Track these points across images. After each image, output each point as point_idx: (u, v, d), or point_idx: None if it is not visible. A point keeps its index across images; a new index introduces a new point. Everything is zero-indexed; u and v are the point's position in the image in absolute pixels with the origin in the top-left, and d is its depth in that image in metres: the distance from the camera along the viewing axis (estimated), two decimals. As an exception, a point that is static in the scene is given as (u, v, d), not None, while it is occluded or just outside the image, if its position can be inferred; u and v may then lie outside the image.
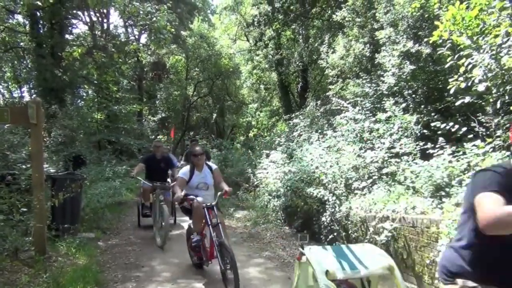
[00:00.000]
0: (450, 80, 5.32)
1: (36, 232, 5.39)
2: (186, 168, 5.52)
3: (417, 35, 7.87)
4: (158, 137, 23.26)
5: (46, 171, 6.71)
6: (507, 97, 5.03)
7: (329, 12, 14.13)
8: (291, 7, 15.78)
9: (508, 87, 4.88)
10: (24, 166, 6.88)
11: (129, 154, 18.25)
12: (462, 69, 5.03)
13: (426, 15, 7.65)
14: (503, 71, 4.53)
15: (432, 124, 5.88)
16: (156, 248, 6.80)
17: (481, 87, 4.85)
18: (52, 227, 6.28)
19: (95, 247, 6.73)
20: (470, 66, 4.94)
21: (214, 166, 5.72)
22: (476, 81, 4.84)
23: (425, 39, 7.17)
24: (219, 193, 5.25)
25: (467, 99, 5.24)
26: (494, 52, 4.59)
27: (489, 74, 4.66)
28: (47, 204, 5.90)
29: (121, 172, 12.56)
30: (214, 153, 15.76)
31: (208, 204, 5.08)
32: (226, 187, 5.29)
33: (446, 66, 5.60)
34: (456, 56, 5.11)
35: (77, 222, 7.08)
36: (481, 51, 4.80)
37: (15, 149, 7.63)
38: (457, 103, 5.51)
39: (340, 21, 10.91)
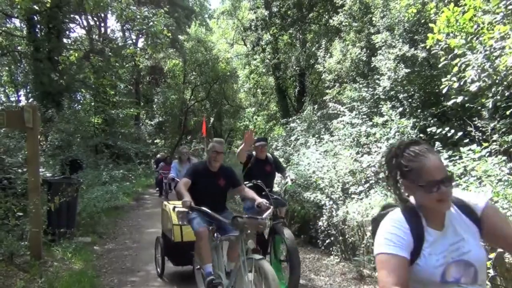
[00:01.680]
0: (443, 79, 5.33)
1: (31, 237, 5.36)
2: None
3: (413, 39, 7.91)
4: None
5: (42, 175, 6.67)
6: (499, 97, 5.05)
7: (326, 17, 14.21)
8: (288, 12, 15.85)
9: (500, 89, 4.90)
10: (20, 170, 6.87)
11: (126, 158, 18.21)
12: (455, 69, 5.05)
13: (423, 20, 7.69)
14: (496, 72, 4.55)
15: (428, 130, 5.90)
16: (152, 253, 6.71)
17: (473, 87, 4.87)
18: (48, 231, 6.23)
19: (91, 251, 6.70)
20: (463, 66, 4.96)
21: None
22: (469, 81, 4.86)
23: (422, 44, 7.20)
24: None
25: (460, 99, 5.26)
26: (488, 52, 4.61)
27: (482, 75, 4.67)
28: (43, 209, 5.87)
29: (118, 176, 12.53)
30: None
31: None
32: None
33: (440, 65, 5.61)
34: (450, 56, 5.13)
35: (73, 226, 7.05)
36: (475, 51, 4.83)
37: (11, 153, 7.60)
38: (449, 103, 5.52)
39: (337, 25, 10.97)
